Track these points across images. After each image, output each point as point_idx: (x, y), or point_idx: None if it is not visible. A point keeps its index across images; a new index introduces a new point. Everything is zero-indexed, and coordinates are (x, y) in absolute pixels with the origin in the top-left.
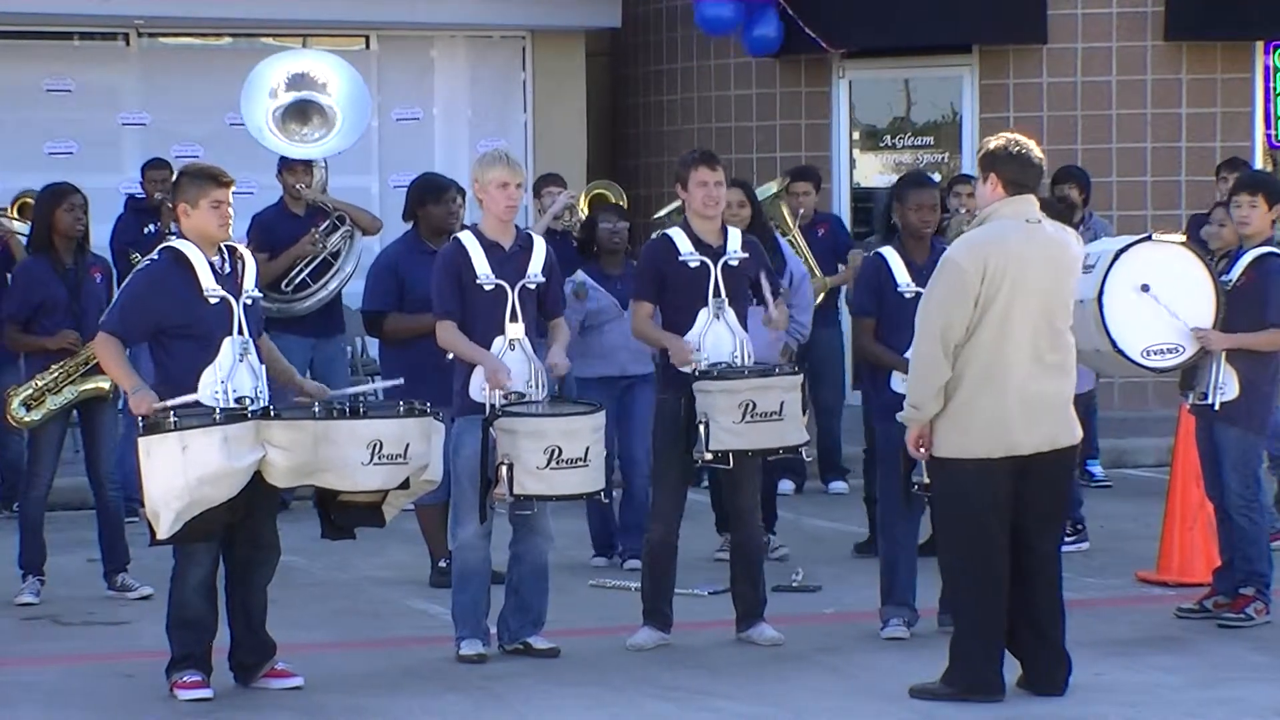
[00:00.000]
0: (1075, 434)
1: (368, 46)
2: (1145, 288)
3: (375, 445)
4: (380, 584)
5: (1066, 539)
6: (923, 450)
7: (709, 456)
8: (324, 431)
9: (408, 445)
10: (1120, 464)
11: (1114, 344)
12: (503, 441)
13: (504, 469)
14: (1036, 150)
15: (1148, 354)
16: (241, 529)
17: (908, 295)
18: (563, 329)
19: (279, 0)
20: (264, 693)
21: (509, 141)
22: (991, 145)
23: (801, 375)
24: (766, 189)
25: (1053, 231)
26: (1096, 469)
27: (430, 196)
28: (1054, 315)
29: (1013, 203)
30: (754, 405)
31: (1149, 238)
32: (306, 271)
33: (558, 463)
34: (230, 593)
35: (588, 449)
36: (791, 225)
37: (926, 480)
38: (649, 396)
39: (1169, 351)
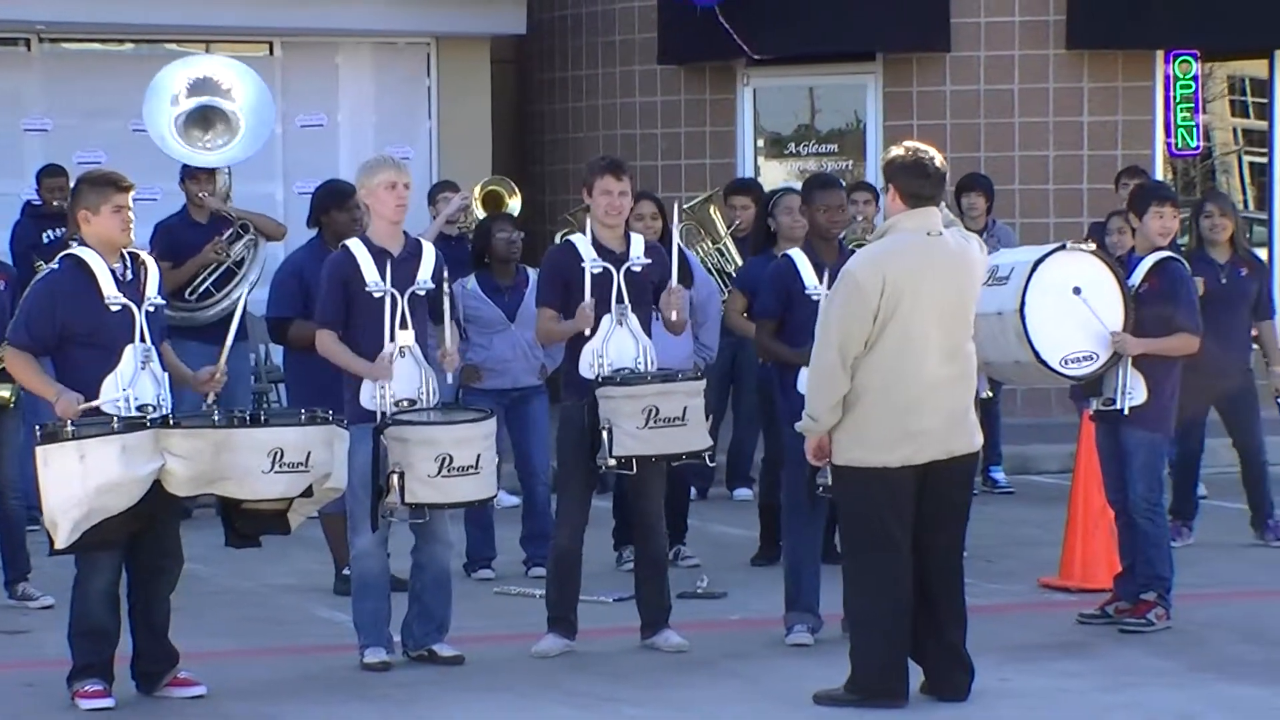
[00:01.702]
0: (975, 442)
1: (271, 53)
2: (1077, 290)
3: (276, 453)
4: (284, 591)
5: None
6: (823, 459)
7: (612, 462)
8: (224, 440)
9: (309, 453)
10: (1023, 470)
11: (1037, 355)
12: (394, 450)
13: (395, 477)
14: (938, 160)
15: (1065, 363)
16: (144, 537)
17: (815, 298)
18: (450, 349)
19: (182, 6)
20: (167, 701)
21: (414, 148)
22: (891, 155)
23: (704, 380)
24: (698, 199)
25: (954, 243)
26: (1000, 475)
27: (334, 203)
28: (954, 326)
29: (914, 215)
30: (657, 410)
31: (1063, 247)
32: (210, 280)
33: (449, 470)
34: (132, 601)
35: (479, 456)
36: (723, 233)
37: (830, 482)
38: (543, 405)
39: (1085, 359)
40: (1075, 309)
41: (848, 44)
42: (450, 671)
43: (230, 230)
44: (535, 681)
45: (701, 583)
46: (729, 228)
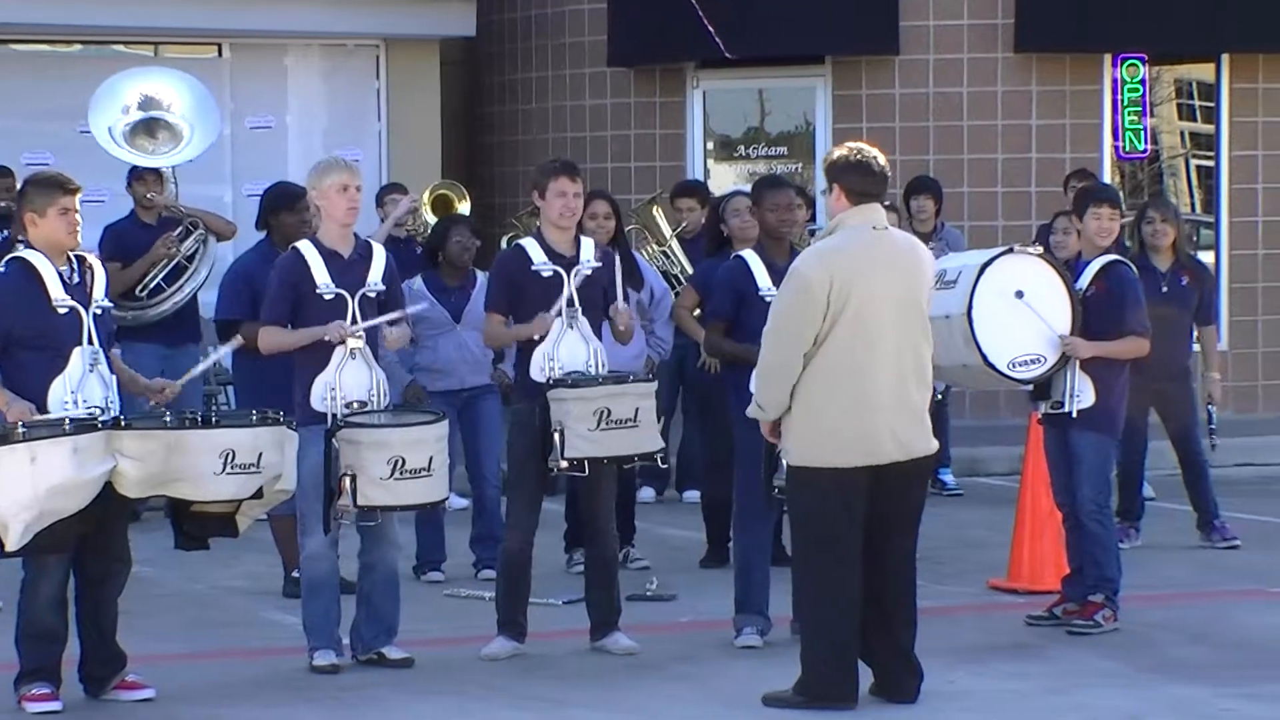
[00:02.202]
0: (931, 444)
1: (220, 54)
2: (1020, 294)
3: (228, 455)
4: (233, 594)
5: None
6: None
7: (564, 464)
8: (176, 441)
9: (261, 454)
10: (972, 472)
11: (985, 358)
12: (346, 452)
13: (347, 480)
14: (880, 159)
15: (1014, 366)
16: (92, 540)
17: (768, 299)
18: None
19: (131, 8)
20: (115, 704)
21: (363, 150)
22: (834, 155)
23: (655, 382)
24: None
25: (901, 239)
26: (949, 477)
27: (283, 205)
28: (907, 322)
29: (859, 211)
30: (609, 412)
31: (1010, 250)
32: (161, 276)
33: (401, 473)
34: (80, 604)
35: (431, 458)
36: (667, 235)
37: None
38: (492, 407)
39: (1033, 362)
40: (1023, 311)
41: (796, 47)
42: (399, 674)
43: (180, 227)
44: (484, 684)
45: (651, 585)
46: (675, 230)
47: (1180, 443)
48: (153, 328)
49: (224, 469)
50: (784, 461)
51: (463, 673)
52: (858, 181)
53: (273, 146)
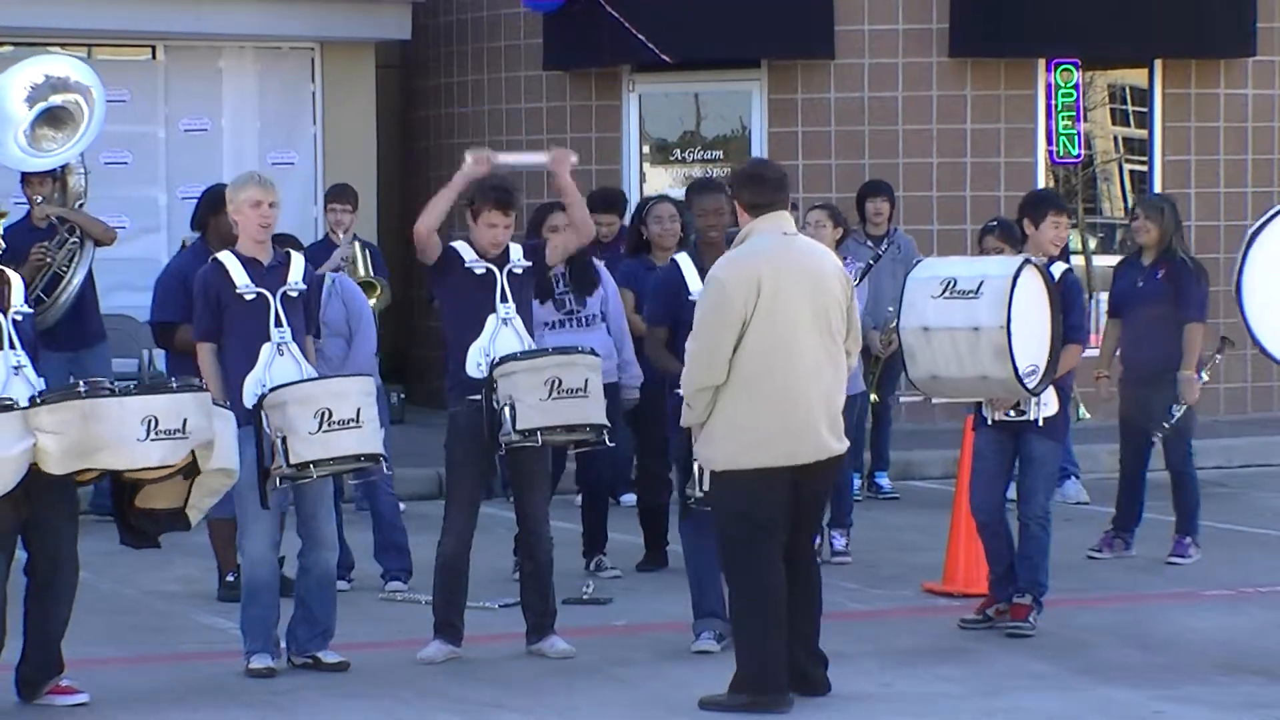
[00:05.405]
0: (843, 442)
1: (155, 57)
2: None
3: (150, 420)
4: (167, 598)
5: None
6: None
7: (516, 437)
8: (91, 409)
9: (185, 419)
10: (907, 476)
11: (1016, 371)
12: (274, 416)
13: (279, 443)
14: (773, 169)
15: (1024, 377)
16: (39, 545)
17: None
18: (311, 355)
19: (65, 9)
20: (49, 709)
21: (298, 153)
22: (734, 171)
23: (600, 358)
24: None
25: (807, 244)
26: (885, 481)
27: (222, 207)
28: (823, 324)
29: (766, 219)
30: (560, 381)
31: (1029, 262)
32: (40, 287)
33: (329, 424)
34: (29, 607)
35: (359, 410)
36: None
37: (698, 494)
38: (383, 407)
39: (1034, 372)
40: (1027, 325)
41: (732, 51)
42: (335, 678)
43: (57, 235)
44: (420, 688)
45: (587, 588)
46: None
47: (1166, 456)
48: (56, 333)
49: (148, 435)
50: (697, 470)
51: (398, 676)
52: (750, 195)
53: (208, 149)
